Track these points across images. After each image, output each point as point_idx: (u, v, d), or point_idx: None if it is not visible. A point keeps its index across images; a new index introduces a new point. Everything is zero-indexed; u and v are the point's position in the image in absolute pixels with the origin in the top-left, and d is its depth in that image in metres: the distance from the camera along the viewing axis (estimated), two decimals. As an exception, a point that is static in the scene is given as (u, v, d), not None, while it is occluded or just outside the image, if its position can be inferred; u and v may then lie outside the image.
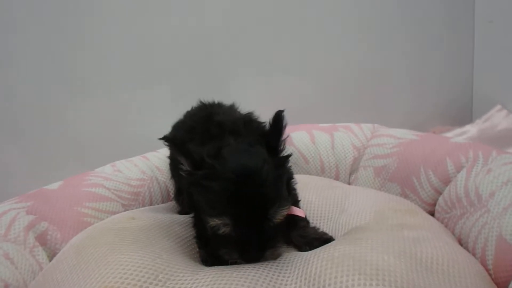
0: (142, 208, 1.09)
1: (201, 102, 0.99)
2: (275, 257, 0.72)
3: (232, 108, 0.97)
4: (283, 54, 1.75)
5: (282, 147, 0.76)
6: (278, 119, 0.72)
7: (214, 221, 0.66)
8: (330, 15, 1.73)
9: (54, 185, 1.09)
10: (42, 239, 0.91)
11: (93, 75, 1.59)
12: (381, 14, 1.76)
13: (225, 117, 0.87)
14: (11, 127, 1.55)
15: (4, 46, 1.49)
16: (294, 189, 0.91)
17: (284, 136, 0.74)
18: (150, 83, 1.63)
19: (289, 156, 0.77)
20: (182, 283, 0.64)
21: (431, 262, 0.65)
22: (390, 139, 1.21)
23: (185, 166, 0.73)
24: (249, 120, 0.86)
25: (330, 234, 0.84)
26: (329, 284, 0.60)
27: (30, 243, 0.88)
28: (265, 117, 0.78)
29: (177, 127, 1.00)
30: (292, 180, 0.88)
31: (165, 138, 0.72)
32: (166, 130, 1.03)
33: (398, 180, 1.10)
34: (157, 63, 1.63)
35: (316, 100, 1.81)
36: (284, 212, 0.69)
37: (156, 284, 0.63)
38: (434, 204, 1.00)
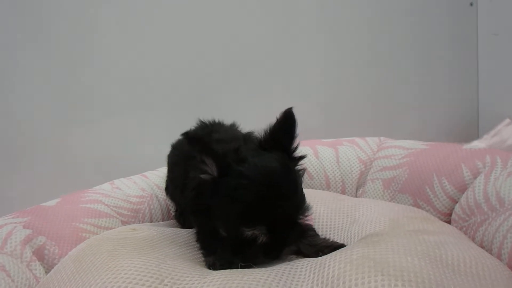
0: (143, 224, 1.05)
1: (201, 121, 0.97)
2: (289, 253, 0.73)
3: (232, 127, 0.95)
4: (282, 73, 1.74)
5: (295, 147, 0.74)
6: (289, 116, 0.71)
7: (249, 230, 0.65)
8: (331, 33, 1.75)
9: (52, 202, 1.06)
10: (39, 254, 0.87)
11: (93, 98, 1.58)
12: (384, 31, 1.77)
13: (226, 135, 0.85)
14: (9, 150, 1.52)
15: (4, 70, 1.49)
16: None
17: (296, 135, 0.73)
18: (149, 105, 1.63)
19: (303, 157, 0.75)
20: (190, 287, 0.59)
21: (458, 264, 0.60)
22: (399, 150, 1.18)
23: (209, 169, 0.68)
24: (249, 138, 0.84)
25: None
26: (350, 287, 0.55)
27: (27, 257, 0.84)
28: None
29: (176, 146, 0.99)
30: None
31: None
32: (165, 150, 1.02)
33: (410, 191, 1.06)
34: (155, 85, 1.63)
35: (318, 120, 1.79)
36: (309, 213, 0.70)
37: (161, 289, 0.58)
38: (450, 214, 0.96)
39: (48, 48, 1.51)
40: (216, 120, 0.97)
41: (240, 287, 0.56)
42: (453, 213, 0.94)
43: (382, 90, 1.80)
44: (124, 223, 1.07)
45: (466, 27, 1.74)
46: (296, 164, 0.74)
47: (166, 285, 0.59)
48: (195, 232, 0.81)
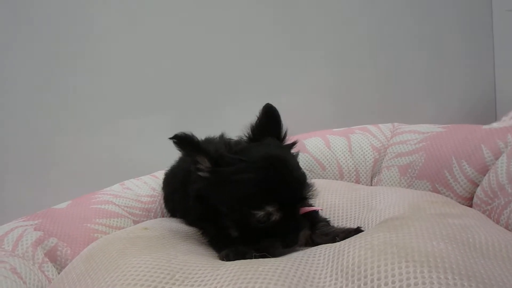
0: (156, 219, 1.03)
1: None
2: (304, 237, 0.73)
3: (221, 137, 0.95)
4: (290, 64, 1.70)
5: (285, 135, 0.76)
6: (269, 110, 0.74)
7: (260, 211, 0.65)
8: (342, 18, 1.69)
9: (62, 205, 1.05)
10: (51, 255, 0.86)
11: (104, 101, 1.57)
12: (396, 14, 1.70)
13: (214, 140, 0.89)
14: (14, 156, 1.52)
15: (13, 75, 1.48)
16: None
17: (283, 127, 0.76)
18: (151, 111, 1.61)
19: (295, 142, 0.77)
20: (202, 280, 0.56)
21: (487, 248, 0.56)
22: (414, 134, 1.14)
23: (204, 165, 0.69)
24: (237, 140, 0.84)
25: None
26: (372, 274, 0.51)
27: (39, 259, 0.83)
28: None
29: (166, 182, 1.02)
30: None
31: (177, 138, 0.67)
32: (174, 152, 1.01)
33: (428, 176, 1.02)
34: (165, 89, 1.61)
35: (329, 110, 1.75)
36: (314, 191, 0.70)
37: (173, 284, 0.55)
38: (471, 198, 0.92)
39: (54, 51, 1.50)
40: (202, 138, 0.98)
41: (255, 278, 0.53)
42: (474, 197, 0.90)
43: (394, 75, 1.74)
44: (136, 222, 1.05)
45: (480, 4, 1.67)
46: (289, 151, 0.75)
47: (178, 279, 0.56)
48: (203, 233, 0.81)
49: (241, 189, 0.66)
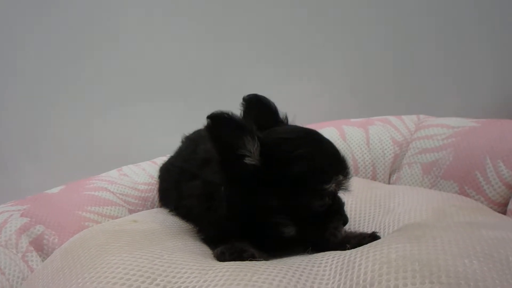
0: (150, 210, 0.96)
1: (186, 138, 0.92)
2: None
3: None
4: (309, 53, 1.60)
5: (286, 119, 0.71)
6: (253, 99, 0.68)
7: (330, 184, 0.60)
8: (364, 6, 1.57)
9: (55, 189, 0.99)
10: (37, 244, 0.80)
11: (107, 88, 1.53)
12: (419, 3, 1.58)
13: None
14: (27, 142, 1.51)
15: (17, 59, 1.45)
16: None
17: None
18: (160, 97, 1.56)
19: None
20: (186, 287, 0.48)
21: (532, 270, 0.46)
22: (442, 129, 1.02)
23: (252, 149, 0.58)
24: None
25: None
26: (387, 296, 0.42)
27: (23, 247, 0.77)
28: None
29: (162, 178, 0.95)
30: None
31: (215, 117, 0.56)
32: (177, 138, 0.96)
33: (455, 176, 0.91)
34: (166, 76, 1.55)
35: (349, 101, 1.63)
36: None
37: (153, 289, 0.47)
38: (505, 204, 0.81)
39: (66, 45, 1.47)
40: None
41: (246, 290, 0.45)
42: (510, 203, 0.78)
43: (419, 66, 1.60)
44: (131, 211, 0.99)
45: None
46: None
47: (158, 284, 0.48)
48: (199, 230, 0.72)
49: (306, 165, 0.59)
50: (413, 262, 0.46)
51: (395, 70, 1.63)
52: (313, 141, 0.63)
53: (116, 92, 1.53)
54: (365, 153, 1.15)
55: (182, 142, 0.93)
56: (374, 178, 1.13)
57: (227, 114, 0.57)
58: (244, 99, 0.69)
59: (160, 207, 1.00)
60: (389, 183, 1.11)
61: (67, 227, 0.85)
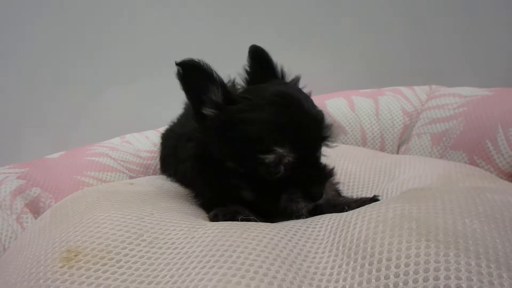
0: (149, 176, 0.95)
1: (186, 104, 0.88)
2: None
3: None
4: (317, 19, 1.54)
5: (283, 74, 0.66)
6: (255, 51, 0.64)
7: (269, 155, 0.53)
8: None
9: (55, 155, 0.98)
10: (33, 206, 0.79)
11: (116, 62, 1.51)
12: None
13: None
14: (31, 110, 1.50)
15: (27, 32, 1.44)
16: None
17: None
18: (164, 70, 1.53)
19: (298, 79, 0.66)
20: (173, 243, 0.47)
21: (537, 232, 0.43)
22: (454, 98, 0.98)
23: (215, 97, 0.57)
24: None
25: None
26: (381, 253, 0.40)
27: (18, 209, 0.77)
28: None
29: (163, 145, 0.94)
30: None
31: (184, 64, 0.55)
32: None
33: (465, 146, 0.87)
34: (173, 53, 1.52)
35: (358, 71, 1.58)
36: (336, 132, 0.58)
37: (138, 245, 0.46)
38: (516, 174, 0.77)
39: (78, 22, 1.45)
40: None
41: (235, 245, 0.43)
42: (521, 172, 0.75)
43: (430, 34, 1.53)
44: (132, 178, 0.98)
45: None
46: (299, 88, 0.65)
47: (145, 240, 0.47)
48: (196, 196, 0.71)
49: (248, 130, 0.54)
50: (410, 221, 0.43)
51: (410, 44, 1.56)
52: (273, 107, 0.55)
53: (123, 64, 1.51)
54: (374, 124, 1.11)
55: (184, 108, 0.92)
56: (382, 149, 1.10)
57: (196, 61, 0.56)
58: (249, 49, 0.66)
59: (162, 174, 0.99)
60: (398, 154, 1.08)
61: (64, 191, 0.84)
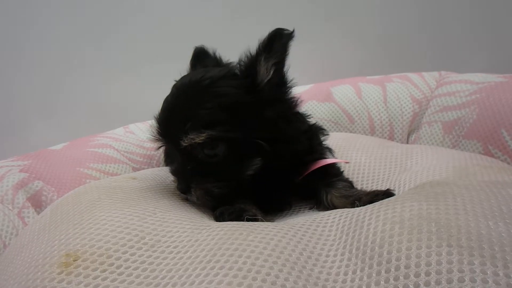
0: (153, 169, 0.93)
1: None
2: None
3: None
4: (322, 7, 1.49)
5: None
6: (202, 50, 0.72)
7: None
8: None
9: (58, 146, 0.96)
10: (35, 200, 0.78)
11: (123, 53, 1.51)
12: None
13: None
14: (38, 100, 1.50)
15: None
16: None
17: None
18: (167, 58, 1.50)
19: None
20: (176, 246, 0.44)
21: None
22: (466, 85, 0.94)
23: None
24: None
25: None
26: (398, 259, 0.37)
27: (19, 203, 0.75)
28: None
29: None
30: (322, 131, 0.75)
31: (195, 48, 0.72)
32: None
33: (479, 135, 0.84)
34: (175, 42, 1.49)
35: (367, 56, 1.53)
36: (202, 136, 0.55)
37: (140, 248, 0.43)
38: (534, 165, 0.73)
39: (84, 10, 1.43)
40: None
41: (241, 249, 0.41)
42: (540, 163, 0.71)
43: (441, 17, 1.47)
44: (135, 170, 0.96)
45: None
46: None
47: (146, 243, 0.44)
48: None
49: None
50: (430, 223, 0.40)
51: (416, 26, 1.51)
52: (168, 96, 0.63)
53: (127, 53, 1.49)
54: (382, 112, 1.08)
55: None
56: (391, 138, 1.06)
57: (206, 49, 0.70)
58: (194, 51, 0.74)
59: (166, 165, 0.97)
60: (407, 143, 1.05)
61: (67, 184, 0.83)
